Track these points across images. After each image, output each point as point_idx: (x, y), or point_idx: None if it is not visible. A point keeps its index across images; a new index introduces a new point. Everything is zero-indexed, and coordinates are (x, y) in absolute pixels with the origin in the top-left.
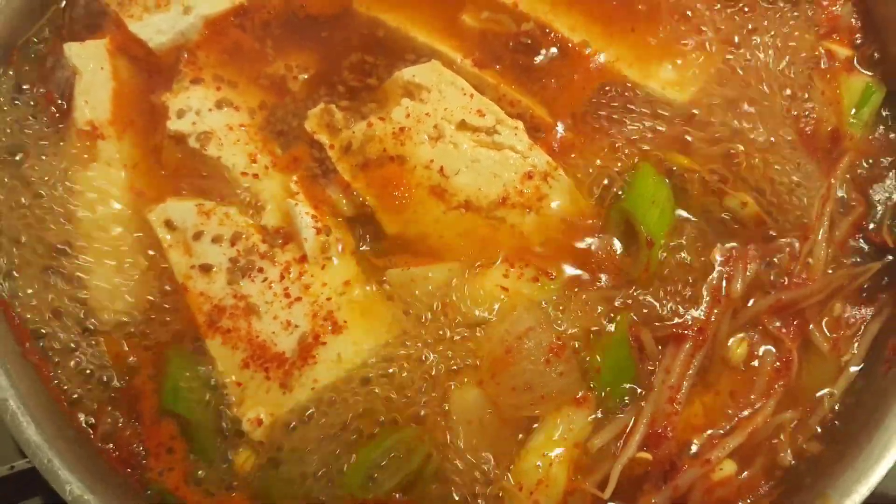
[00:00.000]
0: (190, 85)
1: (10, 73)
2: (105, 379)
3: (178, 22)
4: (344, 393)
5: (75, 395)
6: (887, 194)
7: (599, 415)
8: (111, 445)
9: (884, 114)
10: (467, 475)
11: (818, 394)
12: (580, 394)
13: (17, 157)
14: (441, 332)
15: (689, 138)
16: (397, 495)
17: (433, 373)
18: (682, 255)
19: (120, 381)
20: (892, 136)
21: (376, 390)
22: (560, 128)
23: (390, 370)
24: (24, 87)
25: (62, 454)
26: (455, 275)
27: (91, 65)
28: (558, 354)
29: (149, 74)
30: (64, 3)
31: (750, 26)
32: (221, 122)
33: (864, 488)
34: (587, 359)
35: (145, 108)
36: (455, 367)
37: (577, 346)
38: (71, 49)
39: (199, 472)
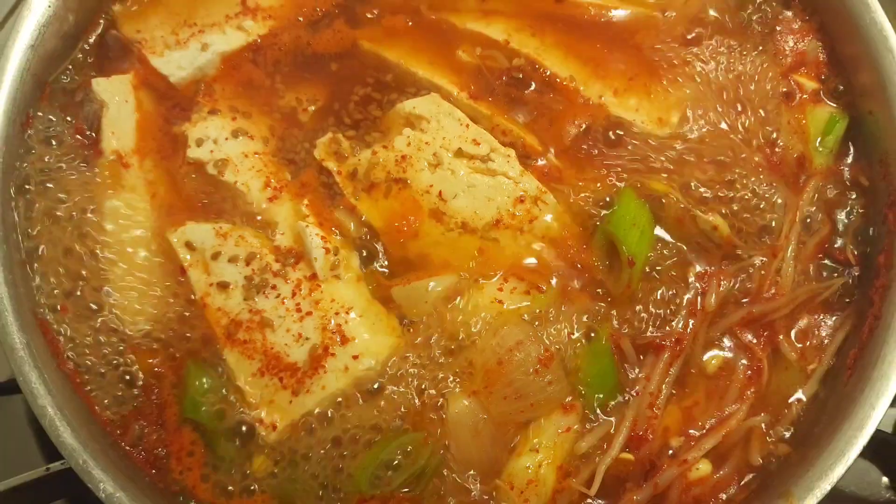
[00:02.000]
0: (207, 116)
1: (43, 107)
2: (132, 388)
3: (196, 58)
4: (351, 400)
5: (105, 403)
6: (850, 215)
7: (585, 419)
8: (138, 449)
9: (847, 141)
10: (464, 476)
11: (787, 399)
12: (567, 400)
13: (50, 185)
14: (440, 345)
15: (667, 166)
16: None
17: (433, 382)
18: (661, 272)
19: (145, 390)
20: (853, 161)
21: (381, 397)
22: (549, 155)
23: (394, 379)
24: (56, 119)
25: (95, 456)
26: (453, 287)
27: (117, 98)
28: (546, 365)
29: (169, 106)
30: (92, 40)
31: (724, 63)
32: (237, 150)
33: (826, 484)
34: (573, 368)
35: (166, 137)
36: (452, 378)
37: (563, 356)
38: (99, 84)
39: (218, 474)
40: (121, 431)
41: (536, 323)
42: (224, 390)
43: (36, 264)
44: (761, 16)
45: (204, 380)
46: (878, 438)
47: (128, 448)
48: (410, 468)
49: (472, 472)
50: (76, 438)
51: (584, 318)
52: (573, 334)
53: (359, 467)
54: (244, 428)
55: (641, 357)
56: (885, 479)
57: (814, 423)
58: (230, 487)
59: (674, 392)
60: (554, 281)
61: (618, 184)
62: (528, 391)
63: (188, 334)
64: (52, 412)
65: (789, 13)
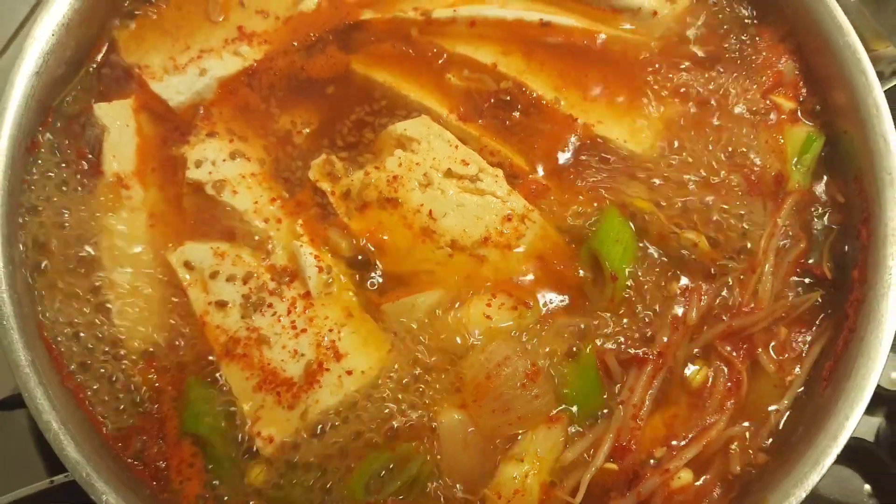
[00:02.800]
0: (206, 138)
1: (47, 131)
2: (133, 403)
3: (194, 83)
4: (345, 413)
5: (108, 418)
6: (826, 231)
7: (571, 431)
8: (139, 462)
9: (823, 159)
10: (454, 486)
11: (765, 410)
12: (553, 413)
13: (53, 207)
14: (430, 360)
15: (649, 184)
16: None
17: (423, 396)
18: (644, 287)
19: (146, 405)
20: (829, 179)
21: (373, 411)
22: (536, 175)
23: (386, 393)
24: (59, 143)
25: (98, 469)
26: (441, 302)
27: (118, 122)
28: (533, 379)
29: (169, 129)
30: (94, 67)
31: (705, 84)
32: (234, 172)
33: (801, 492)
34: (559, 382)
35: (166, 159)
36: (442, 391)
37: (549, 370)
38: (100, 109)
39: (217, 486)
40: (123, 445)
41: (524, 337)
42: (223, 404)
43: (40, 283)
44: (740, 38)
45: (203, 394)
46: (860, 447)
47: (129, 461)
48: (404, 476)
49: (461, 481)
50: (79, 452)
51: (570, 333)
52: (559, 349)
53: (354, 476)
54: (242, 441)
55: (625, 370)
56: (867, 487)
57: (791, 432)
58: (228, 498)
59: (656, 403)
60: (540, 296)
61: (602, 202)
62: (515, 405)
63: (188, 351)
64: (57, 426)
65: (767, 35)
